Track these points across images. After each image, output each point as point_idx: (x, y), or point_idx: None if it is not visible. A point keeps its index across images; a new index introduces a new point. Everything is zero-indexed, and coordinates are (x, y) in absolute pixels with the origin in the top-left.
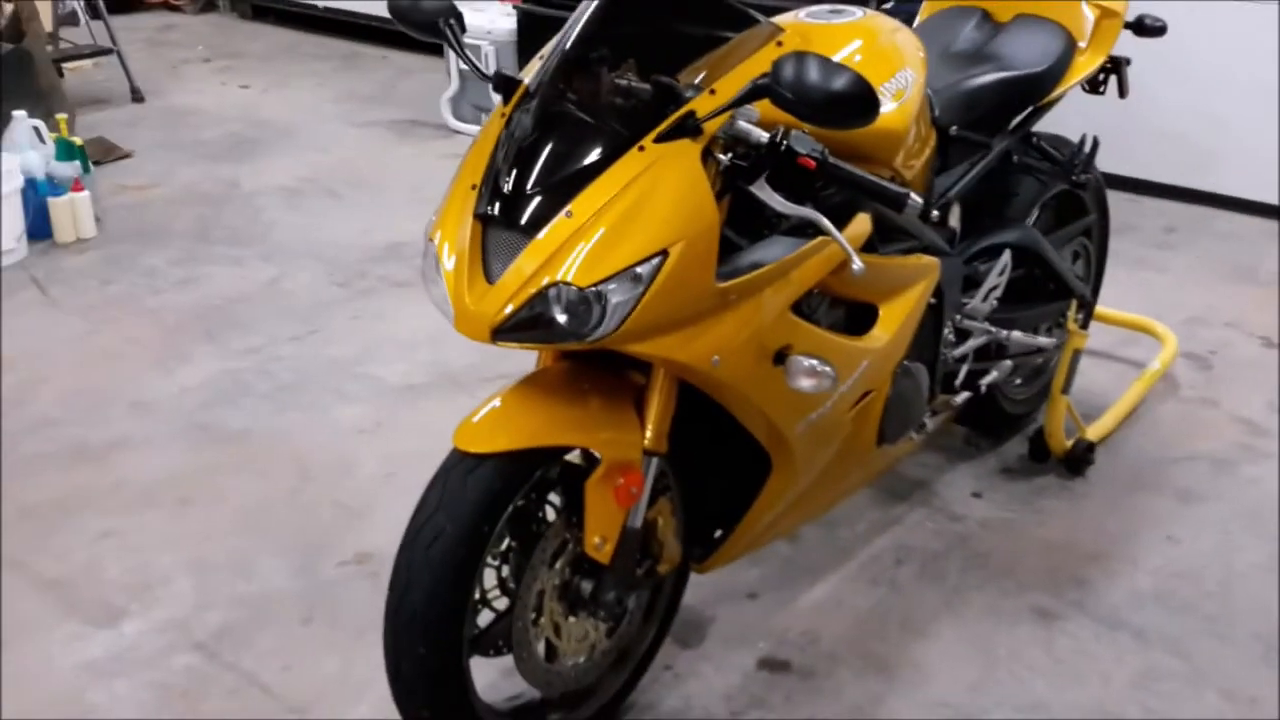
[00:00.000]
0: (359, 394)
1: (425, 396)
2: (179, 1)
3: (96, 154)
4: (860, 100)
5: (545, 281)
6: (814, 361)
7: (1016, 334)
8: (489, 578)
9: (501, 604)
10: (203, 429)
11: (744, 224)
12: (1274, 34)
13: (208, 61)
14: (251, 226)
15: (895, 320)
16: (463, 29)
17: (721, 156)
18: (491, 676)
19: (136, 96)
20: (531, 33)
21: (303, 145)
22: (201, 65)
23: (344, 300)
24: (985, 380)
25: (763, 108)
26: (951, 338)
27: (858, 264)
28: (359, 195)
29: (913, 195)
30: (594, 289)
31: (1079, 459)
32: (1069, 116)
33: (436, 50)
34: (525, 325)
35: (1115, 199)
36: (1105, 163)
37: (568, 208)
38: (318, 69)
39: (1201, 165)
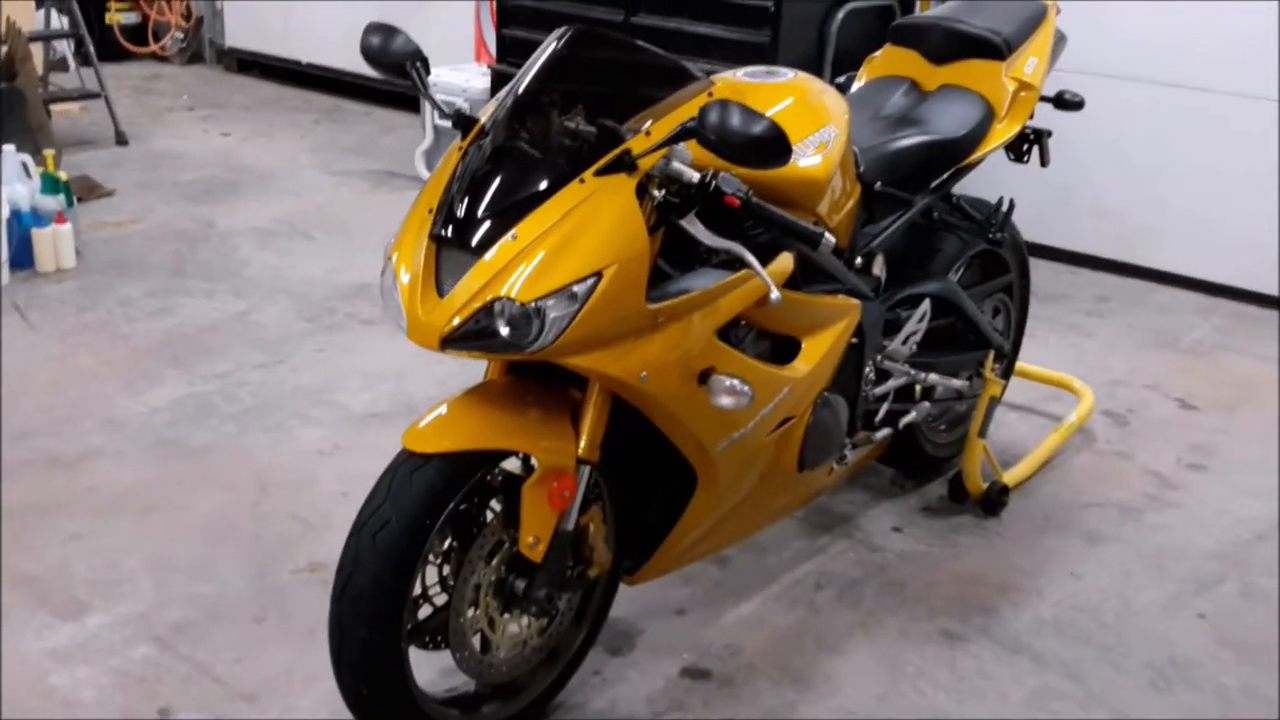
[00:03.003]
0: (321, 419)
1: (386, 424)
2: (167, 53)
3: (80, 191)
4: (775, 144)
5: (490, 297)
6: (734, 381)
7: (934, 376)
8: (430, 575)
9: (441, 600)
10: (169, 444)
11: (678, 257)
12: (1209, 119)
13: (191, 110)
14: (225, 263)
15: (816, 353)
16: (428, 72)
17: (656, 193)
18: (430, 675)
19: (121, 139)
20: None
21: (279, 190)
22: (185, 113)
23: (311, 334)
24: (905, 420)
25: (697, 153)
26: (872, 376)
27: (775, 294)
28: (331, 238)
29: (827, 235)
30: (534, 304)
31: (994, 500)
32: (1015, 193)
33: (417, 106)
34: (471, 336)
35: (1055, 270)
36: (1047, 236)
37: (513, 231)
38: (299, 120)
39: (1139, 241)
